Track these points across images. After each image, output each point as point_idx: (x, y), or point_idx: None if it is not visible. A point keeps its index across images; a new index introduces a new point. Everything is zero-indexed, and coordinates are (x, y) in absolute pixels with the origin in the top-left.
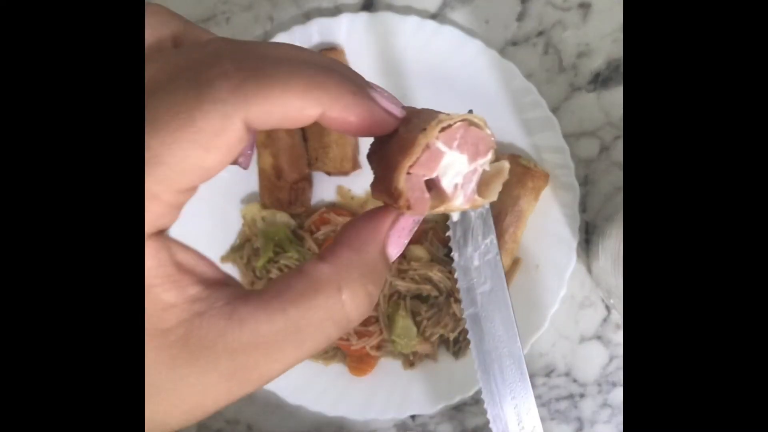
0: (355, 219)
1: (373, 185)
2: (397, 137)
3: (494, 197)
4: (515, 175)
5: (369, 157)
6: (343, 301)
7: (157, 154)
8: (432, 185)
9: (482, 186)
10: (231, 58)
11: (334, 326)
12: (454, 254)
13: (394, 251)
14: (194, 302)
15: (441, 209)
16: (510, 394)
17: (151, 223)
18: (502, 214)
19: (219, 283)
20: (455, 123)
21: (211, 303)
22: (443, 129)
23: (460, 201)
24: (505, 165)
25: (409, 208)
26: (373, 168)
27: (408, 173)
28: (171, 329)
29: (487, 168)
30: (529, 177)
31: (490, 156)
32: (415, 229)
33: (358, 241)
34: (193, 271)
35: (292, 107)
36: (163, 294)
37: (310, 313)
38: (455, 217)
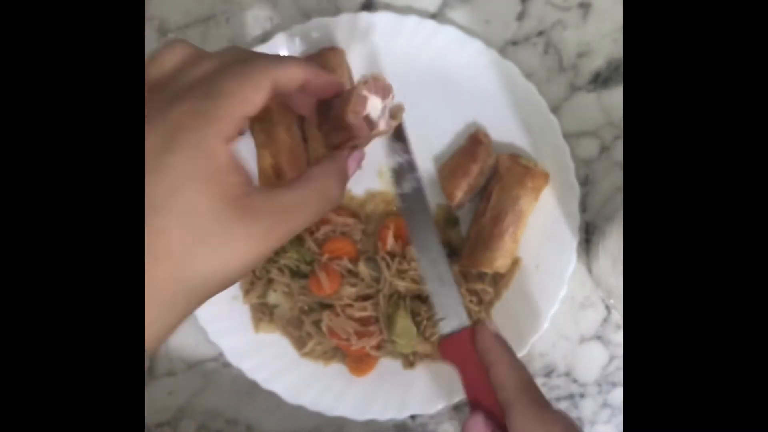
0: (327, 156)
1: (327, 135)
2: (338, 99)
3: (400, 120)
4: (515, 175)
5: (319, 124)
6: (328, 186)
7: (229, 91)
8: (365, 120)
9: (392, 116)
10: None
11: (324, 201)
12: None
13: (350, 170)
14: (246, 184)
15: (374, 134)
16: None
17: (222, 134)
18: (502, 214)
19: (250, 178)
20: (369, 79)
21: (251, 186)
22: (363, 83)
23: (383, 126)
24: (401, 104)
25: (356, 137)
26: (323, 127)
27: (351, 113)
28: (233, 197)
29: (391, 104)
30: (529, 177)
31: (392, 96)
32: (362, 159)
33: (333, 161)
34: (240, 165)
35: (294, 76)
36: (228, 176)
37: (310, 191)
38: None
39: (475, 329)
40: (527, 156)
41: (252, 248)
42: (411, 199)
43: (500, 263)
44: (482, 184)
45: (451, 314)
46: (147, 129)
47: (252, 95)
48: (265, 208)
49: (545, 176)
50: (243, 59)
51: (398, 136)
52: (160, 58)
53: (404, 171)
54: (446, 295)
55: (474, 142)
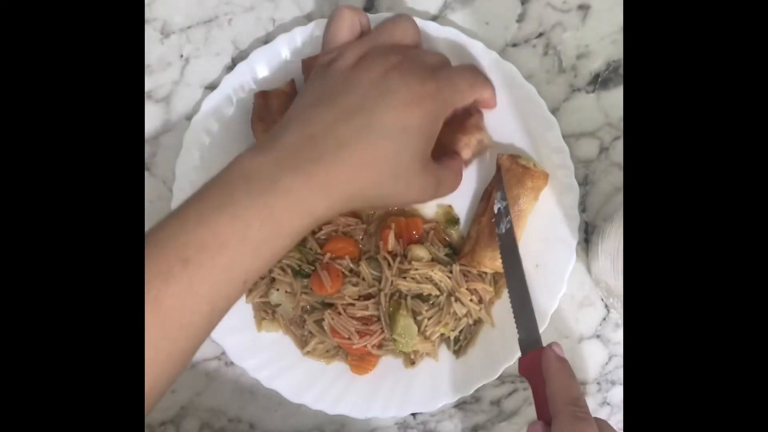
0: (449, 158)
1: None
2: (452, 126)
3: (485, 154)
4: (515, 176)
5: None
6: (458, 177)
7: (462, 90)
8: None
9: (479, 152)
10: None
11: (454, 185)
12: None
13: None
14: (430, 154)
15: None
16: None
17: (446, 116)
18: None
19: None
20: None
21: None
22: (479, 121)
23: (466, 156)
24: (491, 141)
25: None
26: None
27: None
28: (425, 158)
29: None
30: (528, 177)
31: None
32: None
33: (458, 161)
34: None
35: (488, 97)
36: (430, 146)
37: (451, 174)
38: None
39: (543, 349)
40: (527, 156)
41: (413, 193)
42: (506, 237)
43: (500, 262)
44: (469, 156)
45: (529, 336)
46: (403, 80)
47: (469, 98)
48: (433, 174)
49: (545, 176)
50: (469, 67)
51: (499, 185)
52: (399, 25)
53: (502, 215)
54: (526, 319)
55: (465, 112)
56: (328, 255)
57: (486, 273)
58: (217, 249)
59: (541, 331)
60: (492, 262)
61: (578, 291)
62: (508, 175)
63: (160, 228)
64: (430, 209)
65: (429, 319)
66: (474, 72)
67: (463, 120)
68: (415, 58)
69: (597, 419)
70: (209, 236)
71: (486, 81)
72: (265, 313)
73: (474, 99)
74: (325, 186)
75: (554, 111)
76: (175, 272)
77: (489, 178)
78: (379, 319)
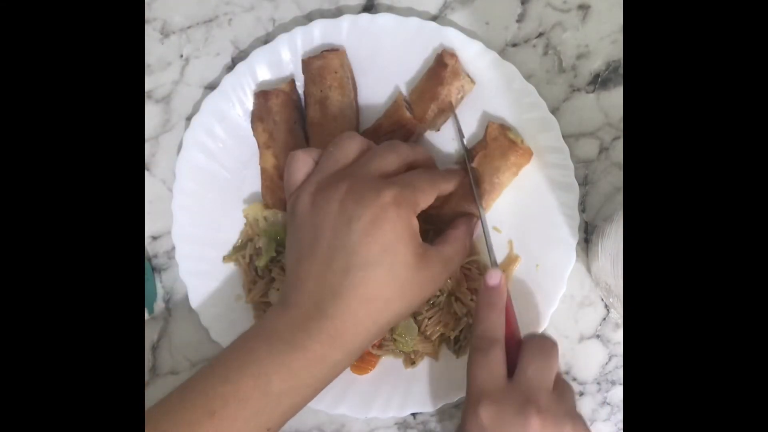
0: (462, 219)
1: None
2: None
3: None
4: (499, 147)
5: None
6: (467, 243)
7: (423, 189)
8: None
9: None
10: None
11: (465, 253)
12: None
13: (475, 234)
14: (422, 243)
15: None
16: None
17: (416, 213)
18: (479, 181)
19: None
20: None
21: (423, 245)
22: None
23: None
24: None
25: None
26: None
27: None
28: (419, 253)
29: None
30: (512, 152)
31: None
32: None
33: (467, 225)
34: (418, 231)
35: (450, 189)
36: (416, 239)
37: (459, 246)
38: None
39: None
40: (516, 132)
41: (427, 291)
42: None
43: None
44: (453, 105)
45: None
46: (360, 204)
47: (431, 198)
48: (436, 259)
49: (529, 154)
50: (425, 166)
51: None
52: (345, 146)
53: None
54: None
55: (439, 64)
56: None
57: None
58: (240, 402)
59: (540, 331)
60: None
61: (578, 291)
62: (494, 145)
63: (190, 381)
64: None
65: (429, 319)
66: (430, 171)
67: (438, 72)
68: (364, 172)
69: (535, 337)
70: (233, 391)
71: (446, 175)
72: (265, 313)
73: (437, 193)
74: (336, 337)
75: (554, 111)
76: (203, 422)
77: (475, 134)
78: None
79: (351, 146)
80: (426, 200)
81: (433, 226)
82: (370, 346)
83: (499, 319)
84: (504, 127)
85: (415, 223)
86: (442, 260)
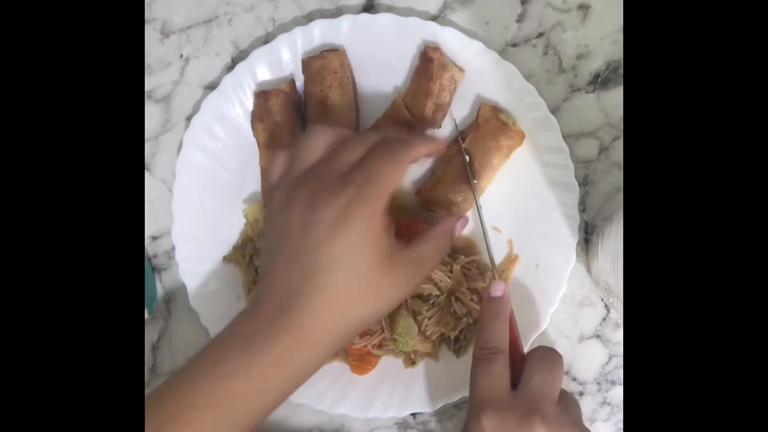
0: (441, 219)
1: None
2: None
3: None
4: (491, 129)
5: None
6: (444, 243)
7: (382, 176)
8: None
9: None
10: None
11: (442, 254)
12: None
13: (457, 232)
14: (392, 243)
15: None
16: None
17: (380, 208)
18: (470, 162)
19: (394, 237)
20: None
21: (395, 245)
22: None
23: None
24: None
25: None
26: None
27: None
28: (386, 256)
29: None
30: (503, 133)
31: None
32: (465, 225)
33: (446, 224)
34: (390, 230)
35: (421, 154)
36: (383, 240)
37: (434, 246)
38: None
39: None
40: (508, 114)
41: (397, 293)
42: None
43: (456, 208)
44: (449, 99)
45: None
46: (323, 205)
47: (398, 176)
48: (406, 262)
49: (521, 136)
50: (385, 142)
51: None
52: (310, 143)
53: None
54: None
55: (425, 60)
56: None
57: (486, 272)
58: (205, 406)
59: (540, 330)
60: (449, 204)
61: (578, 291)
62: (485, 127)
63: (159, 388)
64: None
65: (429, 318)
66: (390, 145)
67: (426, 68)
68: (326, 173)
69: (539, 348)
70: (196, 396)
71: (412, 142)
72: None
73: (409, 162)
74: (300, 339)
75: (554, 111)
76: (166, 428)
77: (468, 118)
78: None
79: (317, 143)
80: (392, 182)
81: (431, 212)
82: (370, 344)
83: (503, 330)
84: (496, 109)
85: (382, 221)
86: (413, 262)
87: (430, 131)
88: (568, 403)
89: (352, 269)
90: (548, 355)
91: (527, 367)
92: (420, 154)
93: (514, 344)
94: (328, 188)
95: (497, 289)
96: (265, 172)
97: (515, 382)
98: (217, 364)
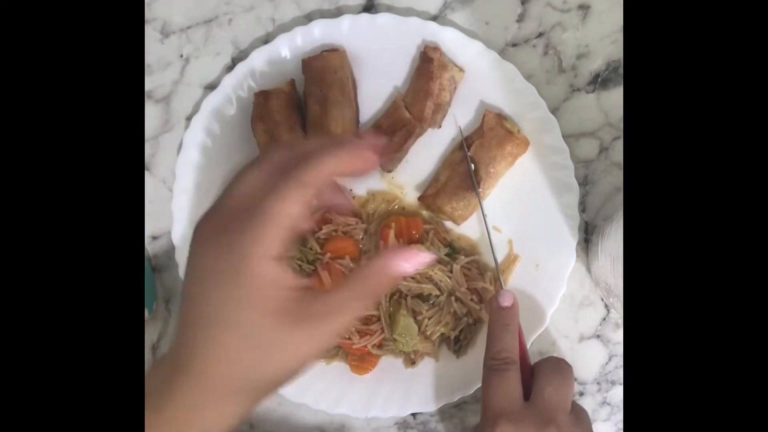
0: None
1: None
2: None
3: None
4: (496, 137)
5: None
6: (371, 287)
7: (266, 212)
8: None
9: None
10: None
11: (362, 300)
12: None
13: (409, 268)
14: (287, 296)
15: None
16: None
17: (263, 253)
18: (475, 170)
19: (299, 286)
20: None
21: (297, 295)
22: None
23: None
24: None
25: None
26: None
27: None
28: (279, 308)
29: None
30: (508, 141)
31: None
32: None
33: (377, 262)
34: (287, 278)
35: (326, 173)
36: (269, 291)
37: (352, 293)
38: None
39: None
40: (512, 121)
41: (301, 351)
42: None
43: (459, 214)
44: (449, 98)
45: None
46: (208, 247)
47: (288, 210)
48: (307, 315)
49: (525, 143)
50: (283, 170)
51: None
52: (236, 186)
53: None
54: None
55: (425, 60)
56: (329, 255)
57: (486, 272)
58: None
59: (541, 330)
60: (451, 211)
61: (578, 291)
62: (490, 135)
63: None
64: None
65: (429, 318)
66: (286, 177)
67: (426, 68)
68: (219, 210)
69: (550, 359)
70: None
71: (308, 163)
72: None
73: (305, 202)
74: (191, 404)
75: (554, 111)
76: None
77: (473, 124)
78: (379, 319)
79: (243, 185)
80: (280, 225)
81: (432, 226)
82: (370, 344)
83: (514, 340)
84: (501, 117)
85: (261, 268)
86: (317, 315)
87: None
88: (578, 413)
89: (234, 325)
90: (559, 365)
91: (539, 378)
92: (323, 176)
93: (522, 354)
94: (212, 228)
95: (506, 299)
96: None
97: (525, 393)
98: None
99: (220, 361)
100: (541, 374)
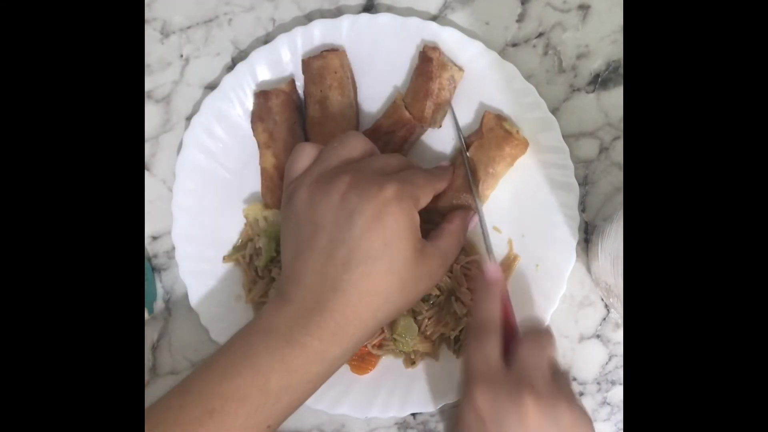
0: (456, 213)
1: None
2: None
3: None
4: (495, 137)
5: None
6: (462, 237)
7: (422, 185)
8: None
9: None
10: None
11: (459, 247)
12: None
13: (470, 227)
14: (421, 238)
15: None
16: None
17: (417, 208)
18: (474, 171)
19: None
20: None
21: (421, 237)
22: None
23: None
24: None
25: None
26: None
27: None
28: (419, 248)
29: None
30: (507, 142)
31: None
32: (476, 221)
33: (462, 219)
34: (418, 220)
35: (443, 186)
36: (417, 233)
37: (454, 240)
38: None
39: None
40: (512, 122)
41: (426, 285)
42: None
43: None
44: (449, 98)
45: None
46: (363, 198)
47: (430, 194)
48: (434, 254)
49: (525, 144)
50: (418, 169)
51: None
52: (348, 142)
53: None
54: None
55: (424, 60)
56: None
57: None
58: (240, 400)
59: None
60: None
61: (578, 291)
62: (490, 135)
63: (190, 378)
64: None
65: (429, 318)
66: (426, 171)
67: (426, 68)
68: (366, 168)
69: (531, 325)
70: (233, 389)
71: (439, 174)
72: None
73: (434, 191)
74: (335, 333)
75: (554, 111)
76: (203, 421)
77: (473, 124)
78: None
79: (355, 144)
80: (425, 197)
81: (430, 224)
82: (370, 344)
83: (495, 308)
84: (500, 118)
85: (417, 218)
86: (439, 255)
87: (429, 140)
88: (558, 377)
89: (389, 262)
90: (535, 328)
91: (519, 344)
92: (443, 187)
93: (509, 323)
94: (369, 182)
95: (490, 270)
96: (265, 172)
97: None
98: (249, 358)
99: (366, 295)
100: (521, 341)
